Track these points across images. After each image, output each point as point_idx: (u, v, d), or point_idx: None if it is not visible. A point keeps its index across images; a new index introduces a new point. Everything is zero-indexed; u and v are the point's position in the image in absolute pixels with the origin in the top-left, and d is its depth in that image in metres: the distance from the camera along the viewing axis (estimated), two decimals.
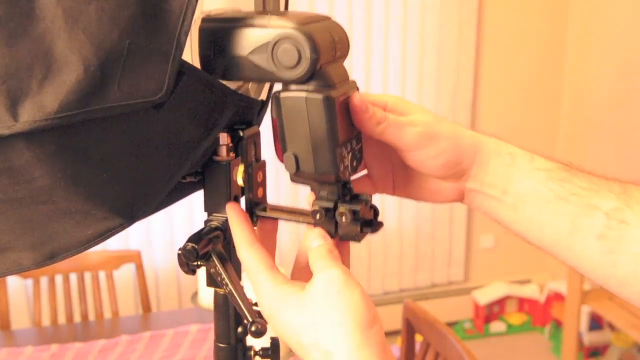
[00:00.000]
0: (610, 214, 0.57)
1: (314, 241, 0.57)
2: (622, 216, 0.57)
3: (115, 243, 2.62)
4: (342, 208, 0.57)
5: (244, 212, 0.61)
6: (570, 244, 0.60)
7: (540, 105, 3.24)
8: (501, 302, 3.26)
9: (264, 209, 0.63)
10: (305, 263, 0.59)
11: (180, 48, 0.49)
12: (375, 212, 0.61)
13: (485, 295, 3.20)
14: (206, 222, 0.63)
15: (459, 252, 3.29)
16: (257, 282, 0.56)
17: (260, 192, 0.63)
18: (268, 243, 0.61)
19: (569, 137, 3.22)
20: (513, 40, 3.14)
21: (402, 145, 0.60)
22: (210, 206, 0.63)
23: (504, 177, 0.62)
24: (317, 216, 0.58)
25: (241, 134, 0.61)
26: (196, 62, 0.55)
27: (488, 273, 3.37)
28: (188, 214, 2.73)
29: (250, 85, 0.64)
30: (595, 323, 2.93)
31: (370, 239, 3.07)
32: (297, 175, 0.57)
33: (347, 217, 0.57)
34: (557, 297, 3.16)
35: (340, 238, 0.59)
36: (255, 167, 0.62)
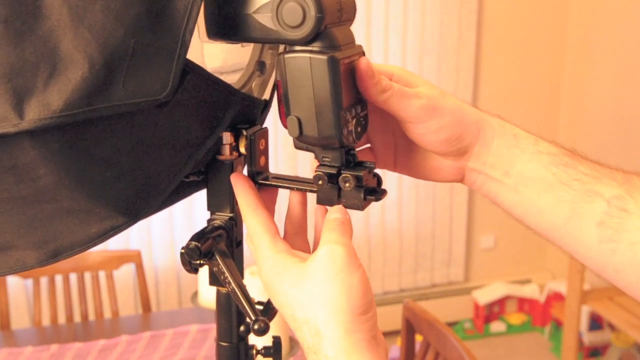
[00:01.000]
0: (612, 201, 0.57)
1: (333, 213, 0.57)
2: (624, 204, 0.57)
3: (115, 243, 2.62)
4: (345, 174, 0.57)
5: (248, 179, 0.61)
6: (569, 230, 0.59)
7: (540, 105, 3.24)
8: (501, 302, 3.26)
9: (266, 178, 0.63)
10: (296, 228, 0.60)
11: (185, 47, 0.49)
12: (379, 180, 0.60)
13: (485, 295, 3.20)
14: (209, 220, 0.63)
15: (459, 252, 3.29)
16: (259, 247, 0.56)
17: (262, 160, 0.62)
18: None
19: (569, 137, 3.22)
20: (513, 40, 3.15)
21: (405, 117, 0.59)
22: (213, 205, 0.63)
23: (506, 158, 0.61)
24: (320, 182, 0.57)
25: (244, 133, 0.61)
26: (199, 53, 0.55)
27: (488, 273, 3.37)
28: (188, 213, 2.73)
29: (253, 84, 0.64)
30: (595, 323, 2.93)
31: (370, 238, 3.08)
32: (301, 140, 0.57)
33: (351, 183, 0.56)
34: (557, 297, 3.16)
35: (344, 206, 0.58)
36: (258, 135, 0.61)
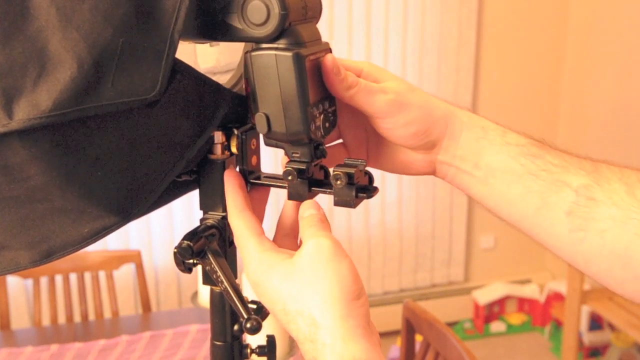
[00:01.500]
0: (580, 191, 0.58)
1: (307, 210, 0.58)
2: (591, 193, 0.57)
3: (115, 243, 2.63)
4: (337, 170, 0.57)
5: (240, 179, 0.61)
6: (539, 220, 0.60)
7: (540, 105, 3.24)
8: (501, 302, 3.26)
9: (258, 178, 0.63)
10: (287, 230, 0.60)
11: (173, 46, 0.49)
12: (370, 178, 0.61)
13: (485, 295, 3.20)
14: (202, 220, 0.63)
15: (459, 252, 3.29)
16: (245, 248, 0.57)
17: (254, 160, 0.63)
18: (257, 211, 0.62)
19: (569, 137, 3.22)
20: (513, 40, 3.14)
21: (372, 112, 0.60)
22: (206, 204, 0.63)
23: (474, 150, 0.62)
24: (290, 177, 0.58)
25: (236, 132, 0.61)
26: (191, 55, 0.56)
27: (488, 273, 3.37)
28: (188, 213, 2.74)
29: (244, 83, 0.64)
30: (595, 323, 2.93)
31: (370, 238, 3.08)
32: (269, 137, 0.57)
33: (342, 180, 0.57)
34: (557, 297, 3.16)
35: (335, 203, 0.59)
36: (250, 135, 0.62)
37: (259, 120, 0.56)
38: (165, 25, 0.48)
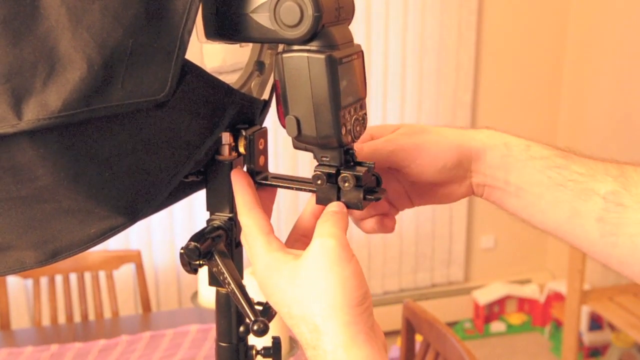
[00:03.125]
0: (608, 197, 0.59)
1: (332, 207, 0.57)
2: (620, 199, 0.58)
3: (115, 243, 2.62)
4: (345, 173, 0.57)
5: (248, 177, 0.61)
6: (571, 228, 0.61)
7: (540, 105, 3.24)
8: (501, 302, 3.26)
9: (265, 178, 0.63)
10: (300, 235, 0.60)
11: (183, 47, 0.49)
12: (378, 180, 0.61)
13: (485, 295, 3.20)
14: (208, 221, 0.63)
15: (459, 252, 3.28)
16: (253, 247, 0.56)
17: (261, 160, 0.62)
18: (265, 211, 0.61)
19: (569, 137, 3.22)
20: (513, 40, 3.14)
21: (392, 164, 0.63)
22: (213, 205, 0.63)
23: (502, 168, 0.64)
24: (319, 181, 0.57)
25: (243, 133, 0.60)
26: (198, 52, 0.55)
27: (488, 273, 3.37)
28: (188, 213, 2.73)
29: (252, 84, 0.64)
30: (595, 323, 2.93)
31: (370, 238, 3.07)
32: (299, 140, 0.57)
33: (350, 182, 0.57)
34: (557, 297, 3.16)
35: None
36: (257, 134, 0.61)
37: (289, 123, 0.55)
38: (175, 25, 0.48)
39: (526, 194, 0.63)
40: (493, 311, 3.26)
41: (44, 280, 2.35)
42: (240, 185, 0.60)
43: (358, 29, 2.85)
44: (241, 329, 0.67)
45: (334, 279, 0.52)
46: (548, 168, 0.62)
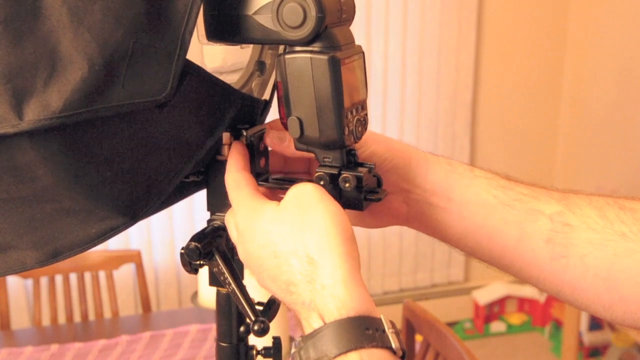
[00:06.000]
0: (554, 217, 0.58)
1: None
2: (566, 219, 0.57)
3: (115, 243, 2.62)
4: (346, 174, 0.57)
5: (244, 149, 0.60)
6: (521, 252, 0.59)
7: (540, 105, 3.24)
8: (501, 302, 3.26)
9: (266, 180, 0.63)
10: None
11: (184, 47, 0.49)
12: (379, 180, 0.60)
13: (485, 295, 3.20)
14: (209, 221, 0.63)
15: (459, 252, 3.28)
16: (237, 197, 0.56)
17: (262, 161, 0.63)
18: None
19: (569, 137, 3.22)
20: (513, 40, 3.14)
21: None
22: (213, 205, 0.63)
23: (445, 185, 0.61)
24: (321, 182, 0.57)
25: (244, 133, 0.61)
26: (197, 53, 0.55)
27: (488, 273, 3.35)
28: (188, 214, 2.73)
29: (253, 85, 0.64)
30: (595, 323, 2.93)
31: (370, 238, 3.07)
32: (301, 141, 0.57)
33: (351, 183, 0.56)
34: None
35: (344, 206, 0.57)
36: (258, 135, 0.62)
37: (292, 124, 0.55)
38: (176, 26, 0.48)
39: (470, 214, 0.60)
40: (493, 311, 3.26)
41: (44, 280, 2.35)
42: (235, 151, 0.59)
43: (358, 29, 2.85)
44: (242, 329, 0.67)
45: (323, 211, 0.51)
46: (493, 187, 0.60)
